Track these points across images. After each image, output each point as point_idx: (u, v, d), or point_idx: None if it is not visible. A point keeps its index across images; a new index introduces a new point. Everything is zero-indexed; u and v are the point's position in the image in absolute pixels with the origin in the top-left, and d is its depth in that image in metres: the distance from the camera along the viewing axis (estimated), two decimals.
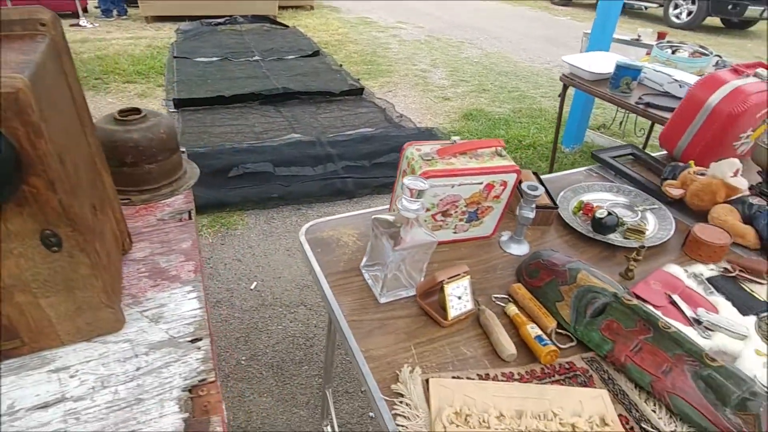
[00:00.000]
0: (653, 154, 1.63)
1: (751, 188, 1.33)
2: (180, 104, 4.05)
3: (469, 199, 1.09)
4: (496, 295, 1.03)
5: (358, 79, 4.97)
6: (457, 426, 0.72)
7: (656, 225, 1.26)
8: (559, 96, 2.65)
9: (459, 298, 0.94)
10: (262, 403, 1.86)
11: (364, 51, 6.02)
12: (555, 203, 1.26)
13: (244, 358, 2.03)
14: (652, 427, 0.78)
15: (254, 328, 2.16)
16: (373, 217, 0.96)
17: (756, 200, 1.21)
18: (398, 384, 0.80)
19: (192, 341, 0.79)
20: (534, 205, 1.11)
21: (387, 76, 5.09)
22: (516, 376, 0.85)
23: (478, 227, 1.17)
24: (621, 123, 3.84)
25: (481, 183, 1.06)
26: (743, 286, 1.07)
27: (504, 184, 1.09)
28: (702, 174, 1.29)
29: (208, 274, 2.43)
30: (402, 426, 0.74)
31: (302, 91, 4.48)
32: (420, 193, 0.87)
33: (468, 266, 1.09)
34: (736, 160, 1.24)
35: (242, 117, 4.06)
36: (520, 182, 1.11)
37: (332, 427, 1.61)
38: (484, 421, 0.73)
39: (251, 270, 2.47)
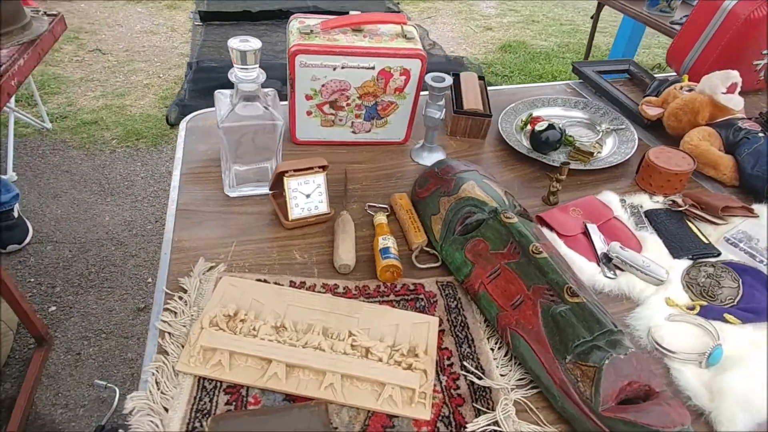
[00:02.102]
0: (661, 76, 1.33)
1: (757, 117, 1.03)
2: (206, 18, 3.95)
3: (362, 90, 0.90)
4: (371, 203, 0.87)
5: (398, 3, 4.62)
6: (217, 329, 0.60)
7: (615, 148, 1.02)
8: (592, 18, 2.26)
9: (307, 196, 0.79)
10: None
11: None
12: (489, 111, 1.04)
13: None
14: (478, 367, 0.61)
15: None
16: (216, 91, 0.81)
17: (748, 124, 0.93)
18: (186, 278, 0.68)
19: None
20: (442, 103, 0.91)
21: (430, 1, 4.69)
22: (341, 290, 0.70)
23: (384, 129, 0.98)
24: None
25: (374, 68, 0.87)
26: (690, 224, 0.83)
27: (406, 73, 0.89)
28: (691, 90, 1.01)
29: None
30: (164, 321, 0.63)
31: (333, 11, 4.22)
32: (244, 56, 0.71)
33: (365, 173, 0.93)
34: (735, 73, 0.95)
35: (266, 35, 3.90)
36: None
37: None
38: (254, 329, 0.60)
39: None
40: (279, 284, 0.69)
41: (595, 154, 0.98)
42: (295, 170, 0.77)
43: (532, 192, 0.93)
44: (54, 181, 2.25)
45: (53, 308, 1.74)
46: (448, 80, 0.88)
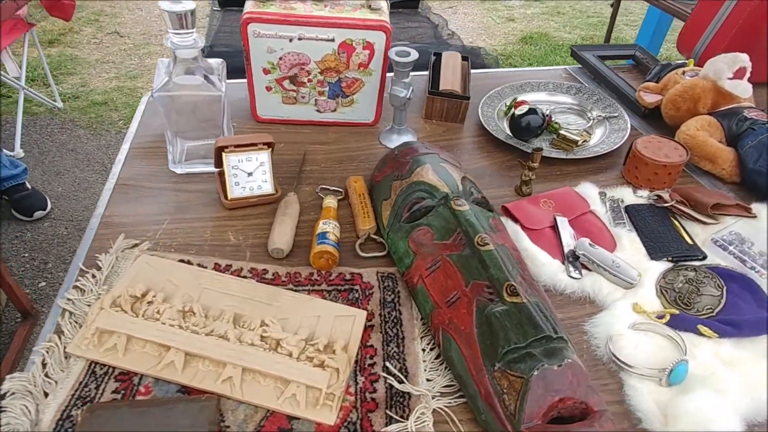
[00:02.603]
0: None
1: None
2: (225, 3, 3.95)
3: (323, 64, 0.84)
4: (324, 186, 0.80)
5: None
6: (119, 310, 0.55)
7: (604, 137, 0.92)
8: (611, 5, 2.12)
9: (249, 174, 0.74)
10: None
11: None
12: (467, 93, 0.96)
13: None
14: (403, 370, 0.55)
15: None
16: (159, 60, 0.76)
17: (755, 114, 0.82)
18: (104, 255, 0.64)
19: None
20: (408, 81, 0.83)
21: None
22: (270, 276, 0.64)
23: (351, 109, 0.92)
24: None
25: (333, 40, 0.81)
26: (676, 222, 0.73)
27: (369, 47, 0.82)
28: (696, 76, 0.91)
29: None
30: (69, 299, 0.58)
31: None
32: (179, 18, 0.65)
33: (327, 154, 0.87)
34: (744, 56, 0.85)
35: None
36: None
37: None
38: (158, 312, 0.55)
39: None
40: (202, 266, 0.64)
41: (580, 143, 0.89)
42: (236, 146, 0.72)
43: (507, 181, 0.85)
44: (59, 160, 2.27)
45: (43, 284, 1.74)
46: (414, 55, 0.80)
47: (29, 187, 1.94)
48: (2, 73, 2.24)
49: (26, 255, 1.84)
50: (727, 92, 0.84)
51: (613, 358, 0.56)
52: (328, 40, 0.81)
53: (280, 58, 0.83)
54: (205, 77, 0.71)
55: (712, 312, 0.61)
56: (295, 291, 0.62)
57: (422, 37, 3.81)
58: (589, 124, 0.96)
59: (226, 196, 0.73)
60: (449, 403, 0.52)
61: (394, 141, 0.91)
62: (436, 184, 0.68)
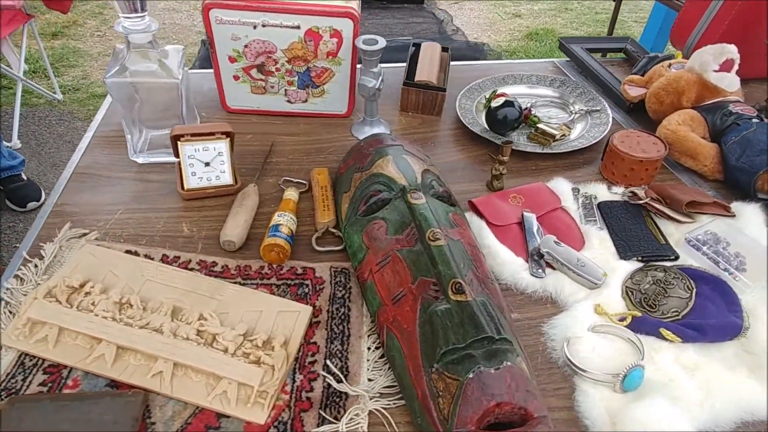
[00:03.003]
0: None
1: (762, 105, 0.88)
2: None
3: (290, 53, 0.82)
4: (287, 178, 0.78)
5: None
6: (53, 300, 0.53)
7: (584, 131, 0.89)
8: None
9: (207, 164, 0.72)
10: None
11: None
12: (444, 85, 0.93)
13: None
14: (344, 369, 0.52)
15: None
16: (116, 45, 0.74)
17: (741, 108, 0.78)
18: (48, 244, 0.62)
19: None
20: (377, 70, 0.81)
21: None
22: (219, 268, 0.62)
23: (322, 99, 0.89)
24: None
25: (299, 27, 0.78)
26: (650, 220, 0.70)
27: (337, 35, 0.80)
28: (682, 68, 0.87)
29: None
30: (9, 288, 0.57)
31: None
32: (130, 2, 0.63)
33: (296, 145, 0.85)
34: (731, 47, 0.81)
35: None
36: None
37: None
38: (93, 304, 0.53)
39: None
40: (149, 257, 0.62)
41: (558, 137, 0.86)
42: (192, 135, 0.70)
43: (480, 175, 0.82)
44: (55, 151, 2.28)
45: None
46: (381, 43, 0.78)
47: (25, 178, 1.95)
48: (1, 64, 2.25)
49: (18, 245, 1.85)
50: (713, 85, 0.80)
51: (567, 361, 0.54)
52: (293, 27, 0.78)
53: (246, 46, 0.80)
54: (161, 63, 0.69)
55: (677, 315, 0.58)
56: (243, 285, 0.60)
57: (426, 33, 3.77)
58: (571, 118, 0.93)
59: (182, 187, 0.71)
60: (388, 404, 0.50)
61: (366, 133, 0.88)
62: (394, 177, 0.65)
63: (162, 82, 0.69)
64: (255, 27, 0.78)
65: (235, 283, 0.60)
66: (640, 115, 0.94)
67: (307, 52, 0.81)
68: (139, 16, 0.65)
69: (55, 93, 2.57)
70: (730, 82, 0.80)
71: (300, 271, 0.63)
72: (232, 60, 0.82)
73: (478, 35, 3.66)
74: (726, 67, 0.81)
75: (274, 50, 0.81)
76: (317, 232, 0.69)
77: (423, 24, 3.90)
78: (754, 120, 0.76)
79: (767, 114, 0.87)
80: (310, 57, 0.82)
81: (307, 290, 0.61)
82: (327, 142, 0.88)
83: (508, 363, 0.45)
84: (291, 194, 0.73)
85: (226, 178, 0.73)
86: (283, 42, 0.80)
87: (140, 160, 0.78)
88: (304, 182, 0.78)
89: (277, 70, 0.84)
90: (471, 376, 0.43)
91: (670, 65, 0.89)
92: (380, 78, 0.82)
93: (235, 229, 0.65)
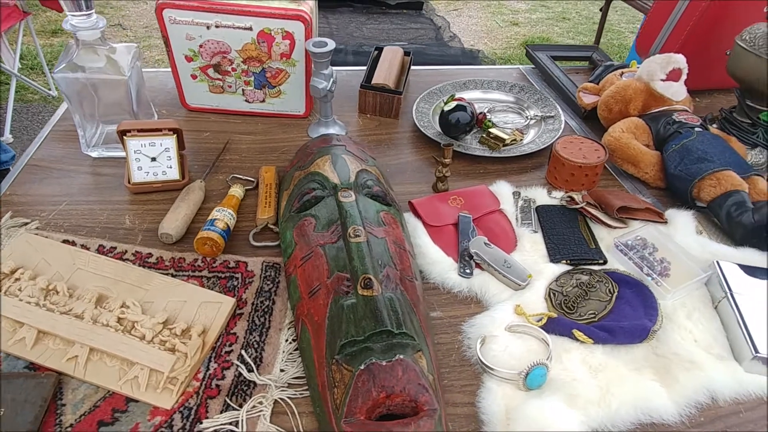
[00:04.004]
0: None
1: (712, 117, 0.89)
2: None
3: (244, 53, 0.84)
4: (235, 175, 0.80)
5: None
6: None
7: (536, 136, 0.90)
8: (601, 10, 2.08)
9: (153, 159, 0.73)
10: None
11: None
12: (402, 88, 0.95)
13: None
14: (257, 359, 0.54)
15: None
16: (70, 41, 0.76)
17: (684, 117, 0.79)
18: None
19: None
20: (327, 72, 0.82)
21: None
22: (154, 260, 0.64)
23: (280, 99, 0.91)
24: None
25: (251, 29, 0.80)
26: (585, 224, 0.71)
27: (289, 37, 0.82)
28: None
29: None
30: None
31: None
32: (72, 0, 0.65)
33: (251, 144, 0.87)
34: (679, 57, 0.82)
35: None
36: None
37: None
38: (20, 289, 0.55)
39: None
40: (85, 247, 0.64)
41: (508, 141, 0.87)
42: (138, 130, 0.72)
43: (428, 177, 0.83)
44: None
45: None
46: (330, 45, 0.79)
47: None
48: None
49: None
50: (659, 94, 0.81)
51: (478, 359, 0.55)
52: (245, 29, 0.80)
53: (201, 46, 0.83)
54: (109, 60, 0.71)
55: (594, 317, 0.59)
56: (175, 276, 0.62)
57: (423, 39, 3.80)
58: (525, 123, 0.94)
59: (129, 181, 0.73)
60: (295, 394, 0.51)
61: (321, 133, 0.90)
62: (328, 176, 0.67)
63: (109, 78, 0.71)
64: (208, 27, 0.80)
65: (167, 274, 0.62)
66: (595, 122, 0.96)
67: (261, 53, 0.83)
68: (86, 14, 0.67)
69: (50, 90, 2.61)
70: (675, 92, 0.81)
71: (232, 264, 0.65)
72: (188, 59, 0.85)
73: (475, 42, 3.68)
74: (673, 76, 0.82)
75: (229, 51, 0.83)
76: (256, 228, 0.71)
77: (420, 30, 3.93)
78: (696, 129, 0.77)
79: (719, 125, 0.88)
80: (264, 58, 0.84)
81: (236, 283, 0.62)
82: (282, 141, 0.90)
83: (400, 356, 0.46)
84: (236, 191, 0.74)
85: (173, 174, 0.75)
86: (237, 43, 0.82)
87: (94, 154, 0.80)
88: (253, 180, 0.79)
89: (233, 70, 0.86)
90: (363, 367, 0.45)
91: (622, 74, 0.91)
92: (332, 80, 0.83)
93: (173, 222, 0.67)
